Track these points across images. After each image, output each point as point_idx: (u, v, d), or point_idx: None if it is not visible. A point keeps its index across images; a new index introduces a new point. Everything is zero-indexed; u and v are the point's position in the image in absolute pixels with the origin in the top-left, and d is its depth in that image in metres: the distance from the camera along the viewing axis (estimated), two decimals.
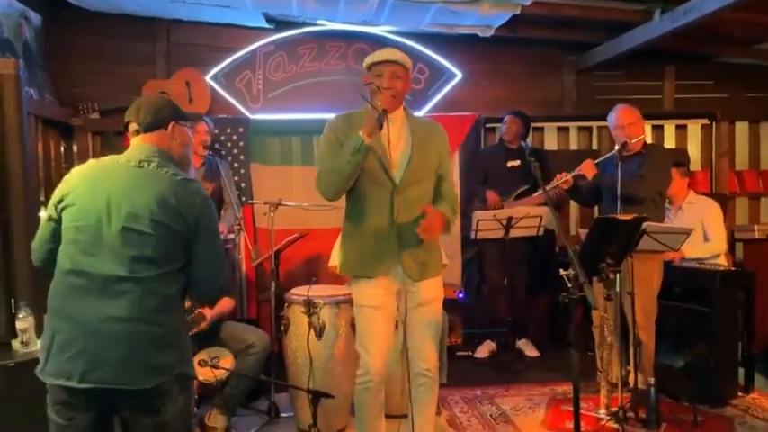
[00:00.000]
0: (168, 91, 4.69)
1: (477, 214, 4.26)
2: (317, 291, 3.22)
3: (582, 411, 2.38)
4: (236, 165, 4.76)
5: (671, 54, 5.28)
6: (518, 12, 4.31)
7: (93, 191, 1.82)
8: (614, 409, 3.16)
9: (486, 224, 4.24)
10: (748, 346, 3.78)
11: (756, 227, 4.80)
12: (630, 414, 3.23)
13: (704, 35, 4.84)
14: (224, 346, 3.30)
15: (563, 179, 3.55)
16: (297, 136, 4.93)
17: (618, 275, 3.20)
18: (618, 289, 3.24)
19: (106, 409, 1.78)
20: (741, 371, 3.77)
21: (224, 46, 4.95)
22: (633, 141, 3.49)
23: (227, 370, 3.06)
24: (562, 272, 2.22)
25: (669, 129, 5.44)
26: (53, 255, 1.85)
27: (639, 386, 3.30)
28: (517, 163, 4.61)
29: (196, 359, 2.90)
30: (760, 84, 5.52)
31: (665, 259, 3.53)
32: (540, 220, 4.30)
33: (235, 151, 4.78)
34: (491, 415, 3.50)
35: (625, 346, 3.41)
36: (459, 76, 5.11)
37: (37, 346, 2.60)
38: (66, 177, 1.90)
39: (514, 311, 4.49)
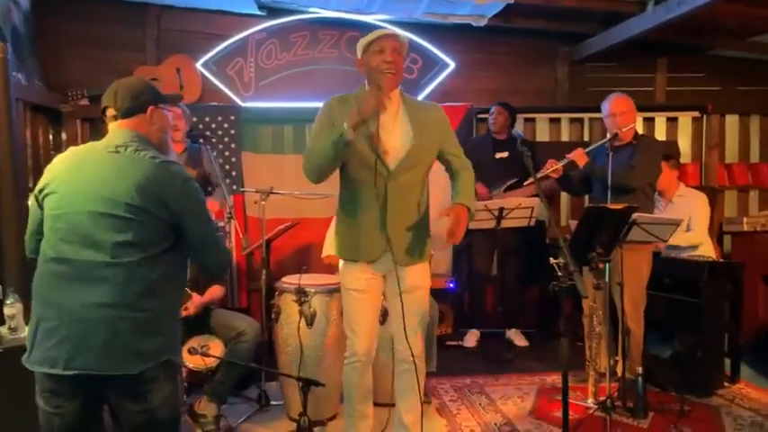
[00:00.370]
0: (159, 77, 4.64)
1: None
2: (309, 279, 3.21)
3: (570, 401, 2.40)
4: (226, 153, 4.74)
5: (663, 46, 5.30)
6: (512, 1, 4.30)
7: (71, 178, 1.80)
8: (602, 398, 3.19)
9: (478, 214, 4.22)
10: (735, 337, 3.82)
11: (745, 219, 4.83)
12: (618, 403, 3.26)
13: (698, 27, 4.85)
14: (214, 334, 3.31)
15: (553, 167, 3.55)
16: (289, 124, 4.92)
17: (608, 265, 3.23)
18: (607, 279, 3.27)
19: (93, 396, 1.77)
20: (728, 361, 3.81)
21: (215, 33, 4.91)
22: (624, 130, 3.50)
23: (218, 358, 3.06)
24: (552, 260, 2.22)
25: (660, 121, 5.46)
26: None
27: (627, 376, 3.33)
28: (505, 155, 4.62)
29: (186, 347, 2.89)
30: (751, 77, 5.55)
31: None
32: (532, 210, 4.30)
33: (226, 139, 4.75)
34: (480, 404, 3.52)
35: (614, 336, 3.44)
36: (452, 65, 5.10)
37: (25, 332, 2.58)
38: (49, 167, 1.88)
39: (504, 302, 4.51)
